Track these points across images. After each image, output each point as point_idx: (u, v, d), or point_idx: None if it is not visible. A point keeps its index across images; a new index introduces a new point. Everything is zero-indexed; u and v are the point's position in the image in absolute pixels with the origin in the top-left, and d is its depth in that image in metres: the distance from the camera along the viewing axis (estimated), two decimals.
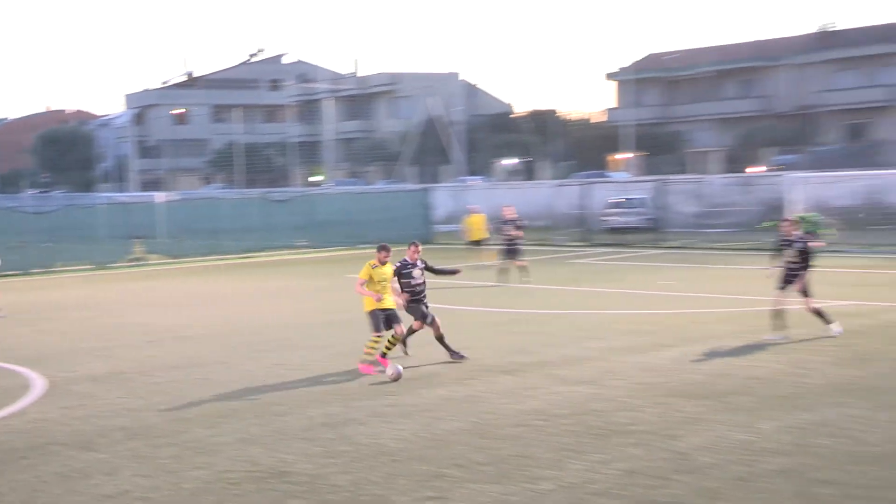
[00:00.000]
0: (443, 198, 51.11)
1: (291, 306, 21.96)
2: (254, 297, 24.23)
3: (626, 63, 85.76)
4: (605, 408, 11.24)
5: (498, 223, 27.31)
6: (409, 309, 14.32)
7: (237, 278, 29.67)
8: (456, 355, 14.22)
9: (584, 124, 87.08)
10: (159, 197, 41.68)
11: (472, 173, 65.30)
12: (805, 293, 15.69)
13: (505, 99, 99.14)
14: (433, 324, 14.30)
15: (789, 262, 15.81)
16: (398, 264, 14.34)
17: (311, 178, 78.30)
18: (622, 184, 46.64)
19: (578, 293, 23.26)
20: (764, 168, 54.20)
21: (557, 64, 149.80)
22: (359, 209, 43.32)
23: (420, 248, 14.66)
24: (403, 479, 8.84)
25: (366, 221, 42.13)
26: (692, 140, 77.53)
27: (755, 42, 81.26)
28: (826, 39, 77.29)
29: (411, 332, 14.56)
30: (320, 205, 44.00)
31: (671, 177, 50.61)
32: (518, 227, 25.96)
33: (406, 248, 14.78)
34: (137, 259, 35.67)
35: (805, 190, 35.94)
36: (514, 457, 9.38)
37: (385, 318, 13.82)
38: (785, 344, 14.98)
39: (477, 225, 30.41)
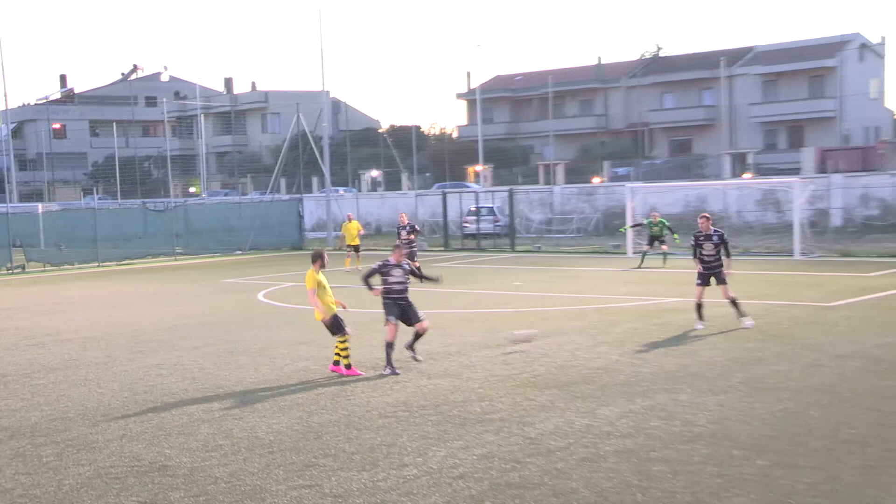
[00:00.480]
0: (313, 207, 50.70)
1: (169, 309, 21.34)
2: (133, 302, 23.44)
3: (476, 84, 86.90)
4: (464, 399, 11.33)
5: (396, 228, 27.61)
6: (384, 305, 13.61)
7: (117, 284, 28.66)
8: (415, 357, 13.76)
9: (442, 139, 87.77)
10: (40, 208, 39.97)
11: (341, 184, 64.94)
12: (724, 282, 16.05)
13: (371, 115, 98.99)
14: (419, 323, 13.56)
15: (707, 256, 16.10)
16: (380, 263, 13.75)
17: (188, 190, 76.46)
18: (478, 193, 47.15)
19: (439, 294, 23.38)
20: (601, 179, 55.68)
21: (417, 84, 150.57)
22: (234, 218, 42.60)
23: (404, 252, 14.28)
24: (279, 469, 8.70)
25: (241, 229, 41.48)
26: (539, 153, 79.11)
27: (593, 66, 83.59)
28: (654, 65, 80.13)
29: (417, 336, 13.77)
30: (197, 214, 43.02)
31: (521, 187, 51.56)
32: (413, 231, 26.55)
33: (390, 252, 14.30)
34: (18, 267, 34.11)
35: (640, 198, 37.19)
36: (382, 446, 9.35)
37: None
38: (626, 337, 15.41)
39: (353, 231, 30.53)
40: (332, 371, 13.03)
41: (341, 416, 10.66)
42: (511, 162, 70.26)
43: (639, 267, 27.93)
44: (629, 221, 33.31)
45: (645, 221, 29.89)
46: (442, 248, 40.24)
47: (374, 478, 8.35)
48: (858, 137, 69.99)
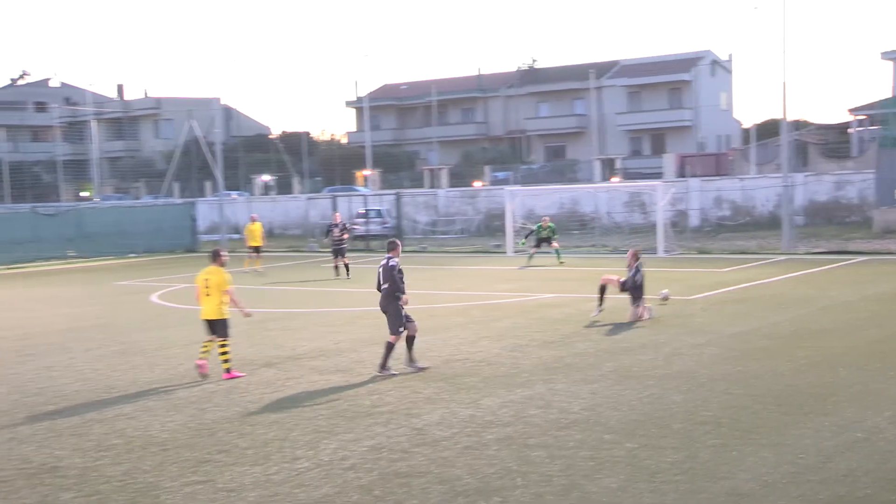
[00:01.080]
0: (206, 211, 49.51)
1: (61, 312, 20.49)
2: (23, 305, 22.41)
3: (364, 92, 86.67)
4: (354, 393, 11.26)
5: (329, 226, 27.70)
6: (400, 312, 12.29)
7: (6, 288, 27.35)
8: (415, 365, 12.42)
9: (332, 145, 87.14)
10: None
11: (232, 188, 63.65)
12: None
13: (262, 121, 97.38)
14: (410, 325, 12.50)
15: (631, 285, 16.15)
16: (400, 268, 12.33)
17: (80, 194, 73.55)
18: (366, 197, 47.00)
19: (330, 293, 23.21)
20: (483, 183, 56.26)
21: (308, 92, 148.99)
22: (127, 221, 41.22)
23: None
24: (173, 466, 8.46)
25: (134, 233, 40.17)
26: (424, 159, 79.43)
27: (474, 76, 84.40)
28: (530, 76, 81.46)
29: (411, 340, 12.54)
30: (89, 218, 41.42)
31: (408, 190, 51.61)
32: (344, 230, 26.95)
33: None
34: None
35: (518, 201, 37.74)
36: (275, 440, 9.20)
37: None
38: (506, 332, 15.61)
39: (256, 233, 29.84)
40: (229, 378, 12.18)
41: (235, 412, 10.45)
42: (398, 167, 70.29)
43: (527, 266, 28.17)
44: (510, 225, 33.75)
45: (535, 227, 30.21)
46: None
47: (266, 471, 8.21)
48: (712, 145, 72.85)
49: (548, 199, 43.59)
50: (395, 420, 9.82)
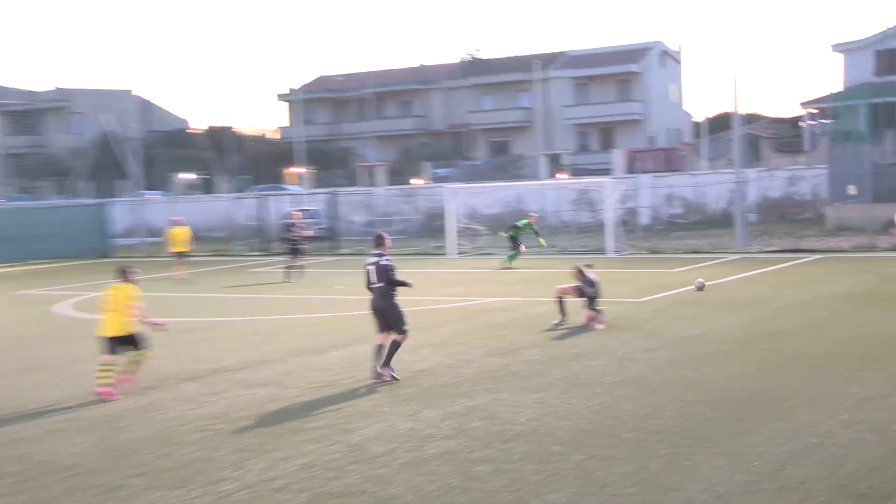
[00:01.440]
0: (120, 212, 48.66)
1: None
2: None
3: (297, 84, 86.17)
4: (284, 407, 11.14)
5: (287, 225, 28.14)
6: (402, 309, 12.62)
7: None
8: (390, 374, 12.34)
9: (259, 140, 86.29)
10: None
11: (150, 188, 62.60)
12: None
13: (181, 115, 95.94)
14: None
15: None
16: (391, 262, 12.70)
17: None
18: (298, 196, 46.64)
19: (258, 300, 22.96)
20: (423, 181, 56.29)
21: (232, 83, 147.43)
22: (32, 224, 40.10)
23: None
24: (83, 493, 8.25)
25: (39, 236, 39.14)
26: (360, 155, 79.19)
27: (414, 68, 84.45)
28: (473, 67, 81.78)
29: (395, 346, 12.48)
30: None
31: (343, 189, 51.39)
32: (302, 230, 27.59)
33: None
34: None
35: (461, 200, 37.82)
36: (198, 461, 9.04)
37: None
38: (450, 339, 15.60)
39: (180, 237, 29.04)
40: (107, 398, 11.71)
41: (153, 432, 10.25)
42: (332, 164, 69.95)
43: (508, 268, 27.86)
44: (451, 225, 33.80)
45: (521, 223, 29.70)
46: (261, 253, 39.52)
47: (188, 495, 8.06)
48: (663, 139, 74.01)
49: (492, 197, 43.84)
50: (328, 436, 9.73)
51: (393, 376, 12.31)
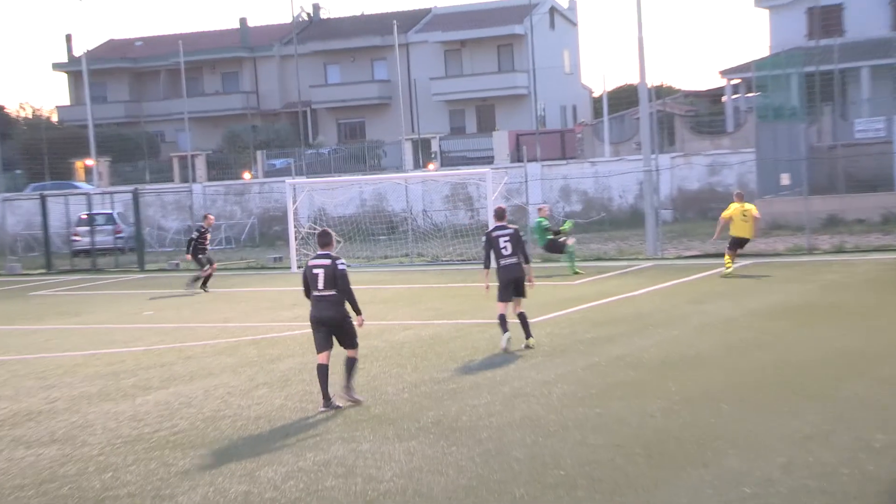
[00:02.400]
0: None
1: None
2: None
3: (79, 50, 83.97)
4: (79, 471, 10.86)
5: (201, 231, 29.27)
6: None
7: None
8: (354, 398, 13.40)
9: (37, 124, 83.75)
10: None
11: None
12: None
13: None
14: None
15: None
16: (346, 267, 13.53)
17: None
18: (91, 196, 45.48)
19: (38, 332, 22.30)
20: (251, 175, 55.83)
21: None
22: None
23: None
24: None
25: None
26: (172, 142, 77.82)
27: (236, 30, 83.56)
28: (313, 29, 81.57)
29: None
30: None
31: (150, 186, 50.47)
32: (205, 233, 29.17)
33: None
34: None
35: (305, 197, 37.67)
36: None
37: None
38: (292, 375, 15.50)
39: None
40: None
41: None
42: (135, 154, 68.57)
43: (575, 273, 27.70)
44: (293, 230, 33.60)
45: (565, 226, 29.32)
46: (43, 271, 38.39)
47: None
48: (555, 119, 75.54)
49: (344, 193, 43.81)
50: None
51: (356, 399, 13.23)
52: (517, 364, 15.45)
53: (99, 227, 41.94)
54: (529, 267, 17.07)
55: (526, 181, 37.52)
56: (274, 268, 34.92)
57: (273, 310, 23.86)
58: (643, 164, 34.12)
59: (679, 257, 31.34)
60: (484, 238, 17.31)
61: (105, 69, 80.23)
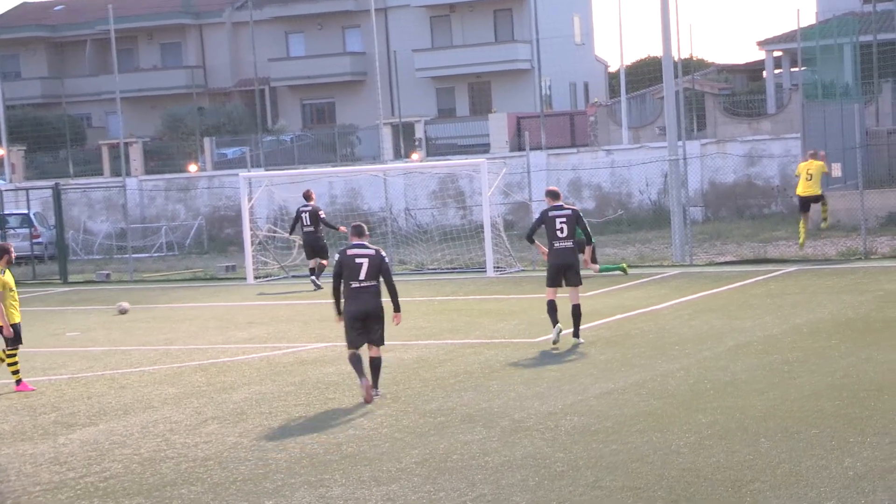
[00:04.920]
0: None
1: None
2: None
3: None
4: None
5: None
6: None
7: None
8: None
9: None
10: None
11: None
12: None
13: None
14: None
15: None
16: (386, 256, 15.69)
17: None
18: (2, 193, 45.36)
19: None
20: (197, 167, 55.74)
21: None
22: None
23: None
24: None
25: None
26: (101, 128, 77.61)
27: None
28: None
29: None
30: None
31: (75, 181, 50.30)
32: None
33: None
34: None
35: (263, 194, 37.58)
36: None
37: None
38: (247, 408, 15.53)
39: None
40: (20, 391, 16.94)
41: None
42: (56, 142, 68.41)
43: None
44: (248, 233, 33.59)
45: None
46: None
47: None
48: (563, 99, 75.43)
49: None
50: None
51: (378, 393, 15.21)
52: (517, 392, 15.50)
53: (12, 231, 41.86)
54: (591, 248, 18.80)
55: (528, 173, 37.44)
56: (225, 279, 34.84)
57: (224, 329, 23.83)
58: (668, 152, 34.04)
59: (711, 263, 31.35)
60: (538, 216, 18.49)
61: (17, 38, 79.96)
